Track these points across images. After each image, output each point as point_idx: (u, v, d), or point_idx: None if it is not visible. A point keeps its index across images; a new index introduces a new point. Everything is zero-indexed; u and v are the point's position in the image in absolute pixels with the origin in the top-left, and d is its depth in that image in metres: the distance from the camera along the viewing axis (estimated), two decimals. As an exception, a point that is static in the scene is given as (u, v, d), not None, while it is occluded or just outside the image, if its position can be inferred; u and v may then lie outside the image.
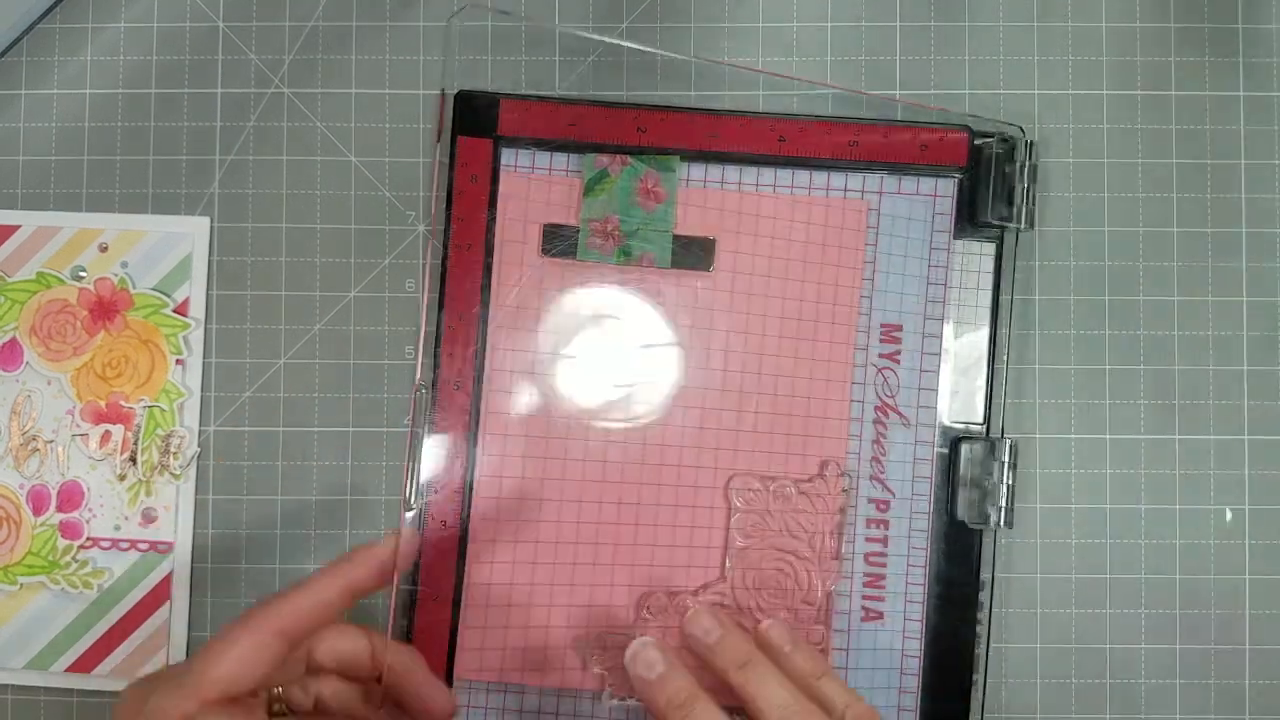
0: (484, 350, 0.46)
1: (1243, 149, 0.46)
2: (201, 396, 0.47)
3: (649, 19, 0.47)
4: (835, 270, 0.46)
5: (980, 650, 0.45)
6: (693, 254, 0.46)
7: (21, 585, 0.46)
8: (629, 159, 0.46)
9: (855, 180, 0.46)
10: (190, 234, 0.47)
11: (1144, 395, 0.46)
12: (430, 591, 0.45)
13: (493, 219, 0.46)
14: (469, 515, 0.45)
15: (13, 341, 0.47)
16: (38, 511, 0.46)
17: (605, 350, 0.46)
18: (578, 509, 0.45)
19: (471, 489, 0.45)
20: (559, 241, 0.46)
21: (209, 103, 0.47)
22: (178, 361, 0.47)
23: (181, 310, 0.47)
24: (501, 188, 0.46)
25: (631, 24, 0.47)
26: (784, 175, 0.46)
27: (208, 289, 0.47)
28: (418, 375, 0.46)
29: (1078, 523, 0.46)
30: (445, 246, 0.46)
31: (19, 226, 0.47)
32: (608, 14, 0.47)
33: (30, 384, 0.47)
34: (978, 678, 0.45)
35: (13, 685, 0.47)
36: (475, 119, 0.46)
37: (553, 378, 0.46)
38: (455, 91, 0.46)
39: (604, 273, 0.46)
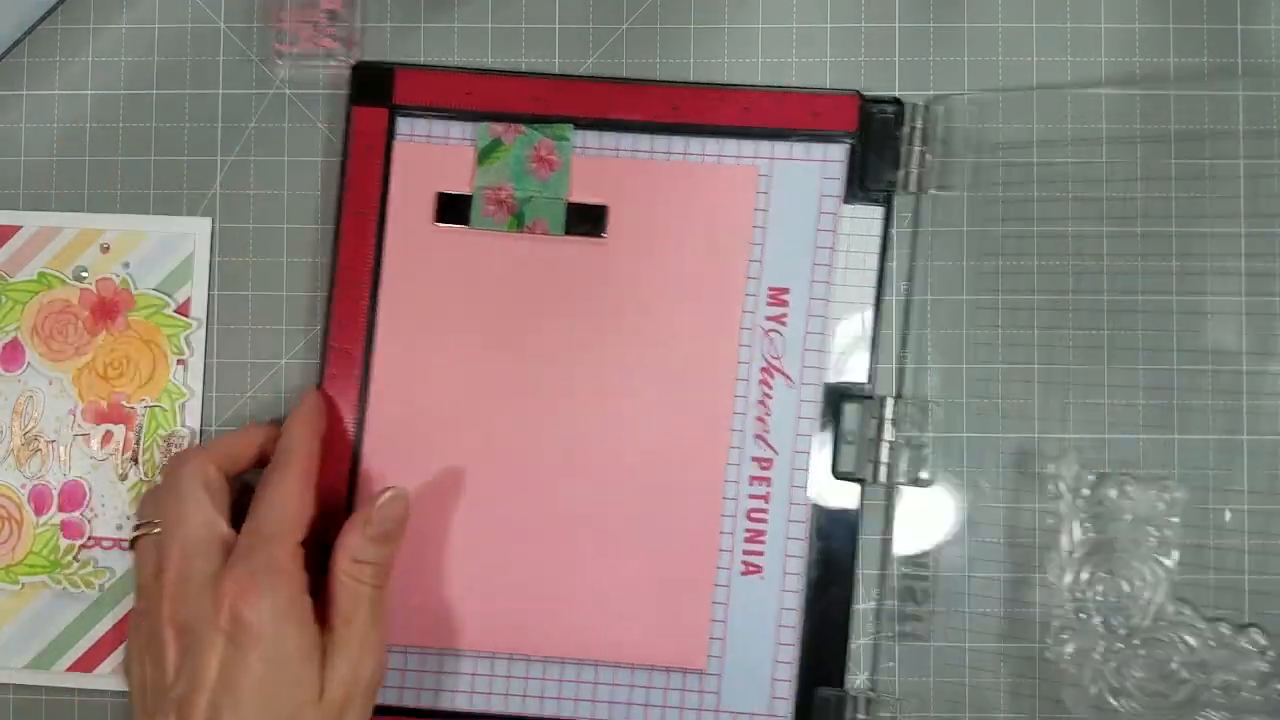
0: (375, 317, 0.46)
1: (1242, 149, 0.47)
2: (203, 397, 0.47)
3: (649, 20, 0.47)
4: (726, 235, 0.46)
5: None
6: (586, 221, 0.46)
7: (23, 585, 0.46)
8: (523, 127, 0.46)
9: (748, 147, 0.46)
10: (192, 234, 0.47)
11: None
12: (319, 555, 0.45)
13: (387, 187, 0.46)
14: (357, 479, 0.46)
15: (14, 342, 0.47)
16: (39, 511, 0.47)
17: (497, 317, 0.46)
18: (468, 472, 0.46)
19: (359, 454, 0.46)
20: (453, 210, 0.46)
21: (210, 103, 0.47)
22: (179, 362, 0.47)
23: (183, 310, 0.47)
24: (396, 156, 0.46)
25: (631, 25, 0.47)
26: (677, 143, 0.46)
27: (209, 289, 0.47)
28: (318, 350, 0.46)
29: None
30: (339, 214, 0.46)
31: (20, 227, 0.47)
32: (608, 15, 0.47)
33: (32, 384, 0.47)
34: (863, 639, 0.45)
35: (14, 685, 0.47)
36: (371, 89, 0.46)
37: (445, 343, 0.46)
38: (353, 63, 0.46)
39: (497, 240, 0.46)
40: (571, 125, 0.46)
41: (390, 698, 0.46)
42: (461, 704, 0.46)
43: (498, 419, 0.46)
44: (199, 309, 0.47)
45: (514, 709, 0.46)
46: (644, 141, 0.46)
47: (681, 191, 0.46)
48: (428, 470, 0.46)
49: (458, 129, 0.46)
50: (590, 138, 0.46)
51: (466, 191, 0.46)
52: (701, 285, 0.46)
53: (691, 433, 0.46)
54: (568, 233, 0.46)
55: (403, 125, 0.46)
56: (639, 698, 0.45)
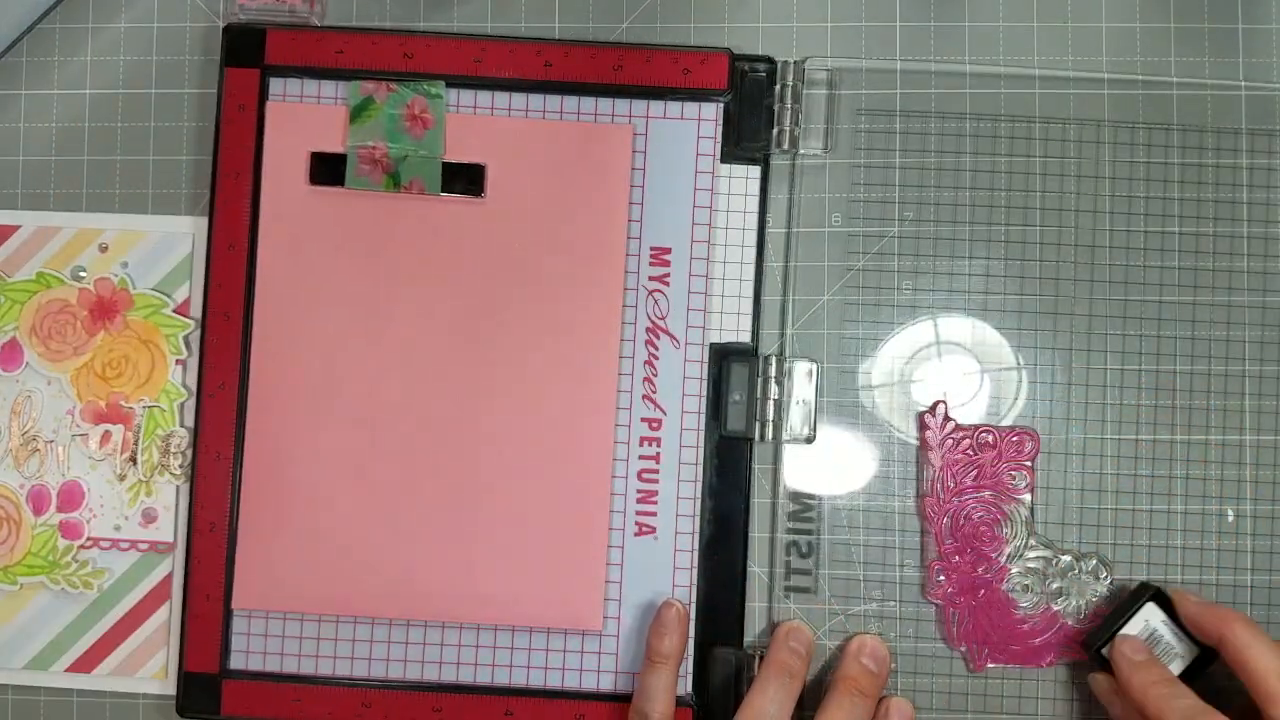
0: (254, 279, 0.46)
1: (1243, 149, 0.46)
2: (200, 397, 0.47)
3: (649, 19, 0.47)
4: (605, 194, 0.46)
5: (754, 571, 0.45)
6: (463, 180, 0.46)
7: (22, 585, 0.46)
8: (394, 85, 0.46)
9: (622, 105, 0.46)
10: (190, 234, 0.47)
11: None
12: (206, 522, 0.45)
13: (260, 147, 0.46)
14: (243, 446, 0.46)
15: (13, 342, 0.47)
16: (38, 511, 0.47)
17: (377, 277, 0.46)
18: (354, 437, 0.46)
19: (245, 421, 0.46)
20: (328, 170, 0.46)
21: (209, 103, 0.47)
22: (178, 362, 0.47)
23: (182, 310, 0.47)
24: (269, 116, 0.46)
25: (631, 24, 0.47)
26: (552, 101, 0.46)
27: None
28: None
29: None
30: (215, 176, 0.46)
31: (19, 226, 0.47)
32: (608, 14, 0.47)
33: (30, 384, 0.47)
34: (758, 601, 0.45)
35: (13, 685, 0.47)
36: (243, 50, 0.46)
37: (325, 305, 0.46)
38: (224, 25, 0.46)
39: (373, 200, 0.46)
40: (443, 82, 0.46)
41: (287, 665, 0.46)
42: (359, 671, 0.46)
43: (382, 381, 0.46)
44: (198, 309, 0.47)
45: (413, 675, 0.46)
46: (519, 100, 0.46)
47: (559, 151, 0.46)
48: (313, 436, 0.46)
49: (330, 88, 0.46)
50: (465, 96, 0.46)
51: (341, 150, 0.46)
52: (583, 245, 0.46)
53: (579, 394, 0.46)
54: (445, 192, 0.46)
55: (275, 86, 0.46)
56: (538, 660, 0.46)
